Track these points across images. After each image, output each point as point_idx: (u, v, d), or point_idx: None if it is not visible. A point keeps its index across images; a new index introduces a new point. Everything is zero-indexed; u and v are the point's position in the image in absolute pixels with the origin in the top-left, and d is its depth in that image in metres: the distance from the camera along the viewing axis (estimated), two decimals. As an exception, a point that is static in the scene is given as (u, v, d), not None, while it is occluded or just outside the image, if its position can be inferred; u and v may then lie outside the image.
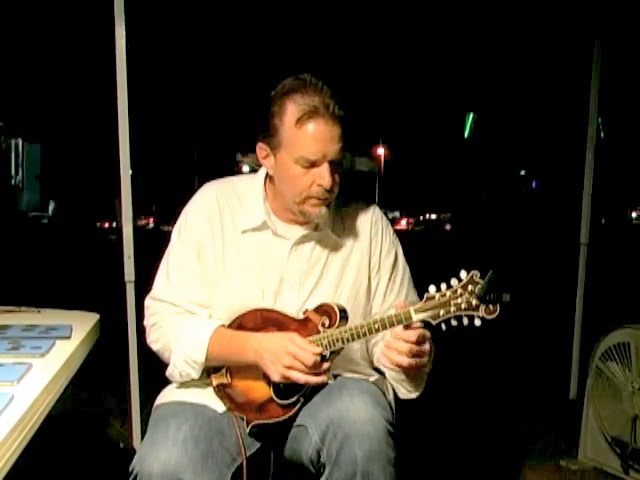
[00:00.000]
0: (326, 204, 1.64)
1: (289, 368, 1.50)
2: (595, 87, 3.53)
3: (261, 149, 1.68)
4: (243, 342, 1.59)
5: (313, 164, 1.59)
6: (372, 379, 1.70)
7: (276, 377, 1.52)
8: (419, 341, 1.49)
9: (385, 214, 1.86)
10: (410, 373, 1.60)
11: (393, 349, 1.50)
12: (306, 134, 1.58)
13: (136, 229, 2.88)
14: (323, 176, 1.59)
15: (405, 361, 1.48)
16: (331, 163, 1.60)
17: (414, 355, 1.49)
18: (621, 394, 2.70)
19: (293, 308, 1.65)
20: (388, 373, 1.71)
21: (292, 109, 1.58)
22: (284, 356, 1.50)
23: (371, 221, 1.77)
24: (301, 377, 1.50)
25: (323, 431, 1.49)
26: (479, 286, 1.44)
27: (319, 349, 1.51)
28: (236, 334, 1.63)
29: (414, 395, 1.70)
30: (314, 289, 1.69)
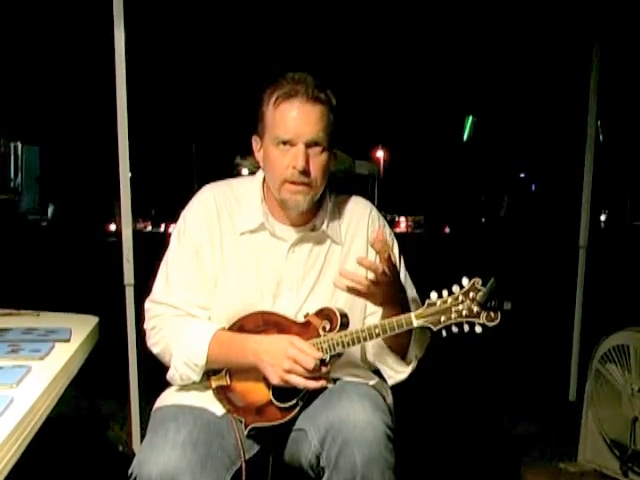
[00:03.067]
0: (304, 193, 1.63)
1: (289, 372, 1.50)
2: (594, 89, 3.54)
3: (255, 141, 1.72)
4: (243, 344, 1.59)
5: (289, 144, 1.60)
6: (372, 383, 1.70)
7: (275, 380, 1.52)
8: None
9: (385, 217, 1.87)
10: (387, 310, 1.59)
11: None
12: (282, 113, 1.61)
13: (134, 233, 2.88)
14: (297, 157, 1.59)
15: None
16: (308, 147, 1.60)
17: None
18: (620, 396, 2.70)
19: (291, 310, 1.65)
20: (375, 356, 1.70)
21: (274, 94, 1.62)
22: (284, 359, 1.50)
23: (368, 221, 1.77)
24: (300, 381, 1.50)
25: (322, 435, 1.49)
26: (480, 293, 1.44)
27: (319, 353, 1.51)
28: (236, 336, 1.63)
29: (402, 376, 1.68)
30: (312, 290, 1.69)
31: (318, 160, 1.62)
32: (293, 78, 1.63)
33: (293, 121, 1.60)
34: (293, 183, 1.62)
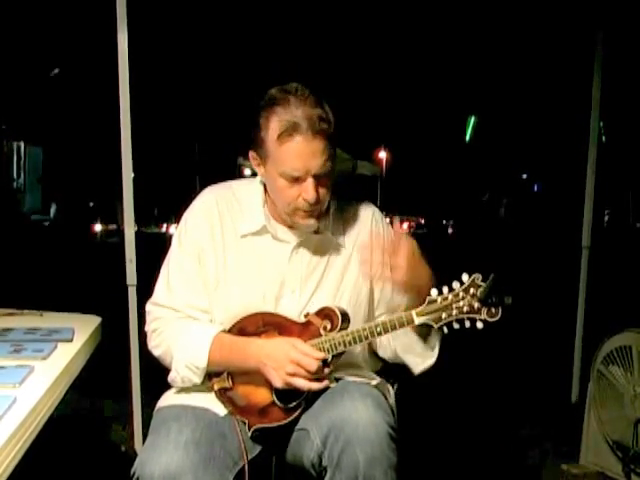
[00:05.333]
0: (315, 215, 1.64)
1: (292, 375, 1.50)
2: (597, 90, 3.53)
3: (253, 158, 1.69)
4: (244, 348, 1.60)
5: (297, 179, 1.59)
6: (374, 383, 1.70)
7: (279, 384, 1.53)
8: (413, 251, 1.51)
9: (390, 221, 1.86)
10: (410, 298, 1.58)
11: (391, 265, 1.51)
12: (287, 151, 1.57)
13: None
14: (307, 190, 1.59)
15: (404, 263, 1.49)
16: (316, 176, 1.59)
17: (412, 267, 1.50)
18: (623, 398, 2.69)
19: (294, 312, 1.65)
20: (399, 347, 1.68)
21: (274, 124, 1.58)
22: (287, 363, 1.51)
23: (371, 223, 1.77)
24: (304, 384, 1.51)
25: (325, 434, 1.49)
26: (481, 289, 1.44)
27: (322, 354, 1.52)
28: (237, 339, 1.63)
29: (431, 360, 1.65)
30: (315, 292, 1.69)
31: (325, 186, 1.62)
32: (289, 100, 1.57)
33: (300, 159, 1.56)
34: (304, 211, 1.62)
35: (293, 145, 1.56)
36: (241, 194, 1.75)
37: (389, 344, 1.71)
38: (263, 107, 1.61)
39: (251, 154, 1.69)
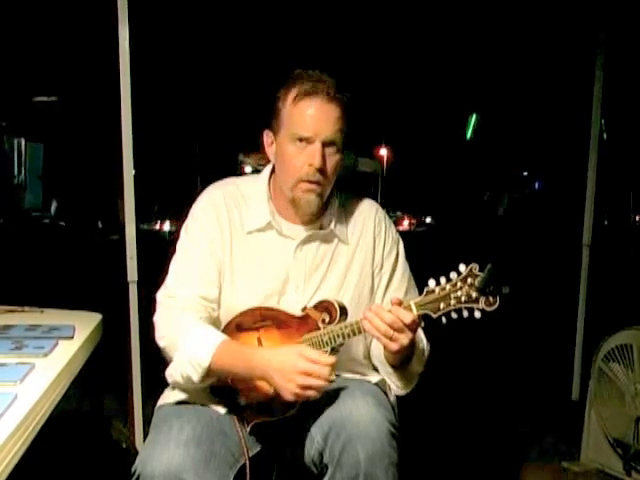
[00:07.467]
0: (316, 192, 1.64)
1: (304, 388, 1.45)
2: (598, 88, 3.53)
3: (267, 136, 1.72)
4: (249, 357, 1.54)
5: (306, 142, 1.61)
6: (374, 380, 1.70)
7: (290, 397, 1.47)
8: (409, 325, 1.48)
9: (389, 216, 1.87)
10: (394, 358, 1.62)
11: (378, 315, 1.50)
12: (301, 110, 1.61)
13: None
14: (314, 155, 1.60)
15: (383, 328, 1.48)
16: (325, 146, 1.61)
17: (395, 330, 1.48)
18: (624, 395, 2.69)
19: (297, 308, 1.65)
20: (379, 367, 1.72)
21: (293, 91, 1.63)
22: (297, 376, 1.45)
23: (374, 221, 1.78)
24: (316, 395, 1.46)
25: (326, 432, 1.49)
26: (478, 279, 1.44)
27: (332, 359, 1.47)
28: (244, 347, 1.59)
29: (401, 392, 1.71)
30: (318, 289, 1.69)
31: (332, 159, 1.64)
32: (312, 76, 1.64)
33: (312, 119, 1.60)
34: (308, 182, 1.63)
35: (307, 104, 1.61)
36: (246, 190, 1.75)
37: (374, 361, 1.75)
38: (284, 84, 1.66)
39: (266, 132, 1.72)
